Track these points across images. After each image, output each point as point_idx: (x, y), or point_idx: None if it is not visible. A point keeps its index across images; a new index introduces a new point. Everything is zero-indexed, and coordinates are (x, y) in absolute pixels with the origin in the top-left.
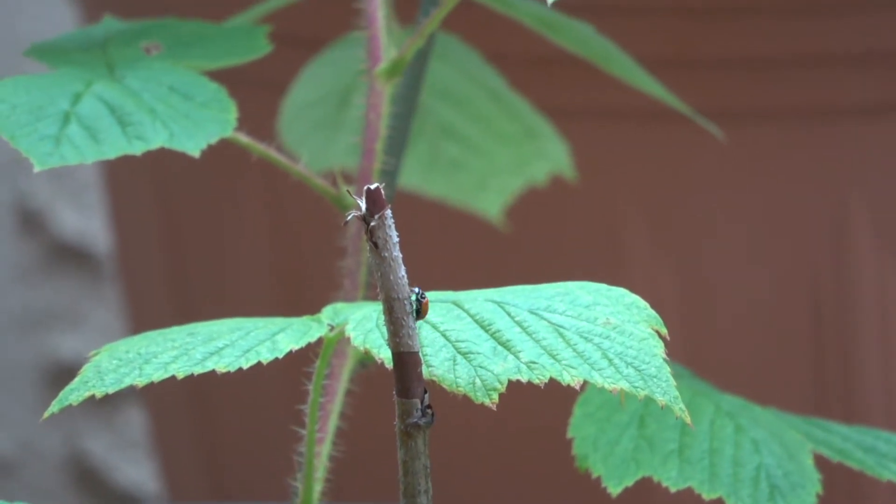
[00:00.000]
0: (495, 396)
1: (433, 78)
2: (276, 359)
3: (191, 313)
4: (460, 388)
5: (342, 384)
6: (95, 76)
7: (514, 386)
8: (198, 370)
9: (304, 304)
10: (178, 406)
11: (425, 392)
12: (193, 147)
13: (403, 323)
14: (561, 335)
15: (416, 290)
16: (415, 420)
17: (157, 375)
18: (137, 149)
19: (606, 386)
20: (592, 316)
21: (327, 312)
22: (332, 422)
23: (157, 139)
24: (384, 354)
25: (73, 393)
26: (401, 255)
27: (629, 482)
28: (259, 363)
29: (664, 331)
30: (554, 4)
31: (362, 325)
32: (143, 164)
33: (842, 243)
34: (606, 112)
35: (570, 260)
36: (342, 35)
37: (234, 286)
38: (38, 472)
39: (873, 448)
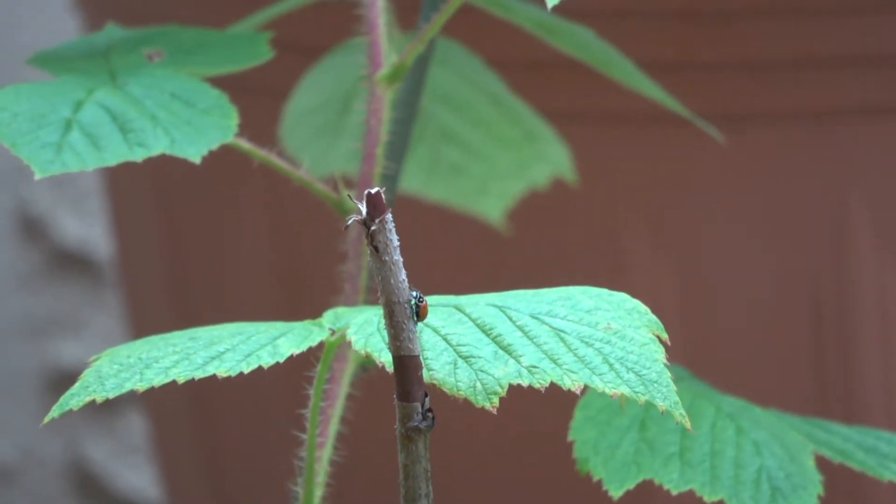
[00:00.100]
0: (496, 400)
1: (434, 83)
2: (277, 363)
3: (192, 319)
4: (461, 392)
5: (343, 388)
6: (97, 83)
7: (514, 390)
8: (199, 375)
9: (305, 308)
10: (179, 411)
11: (426, 396)
12: (195, 153)
13: (404, 326)
14: (562, 340)
15: (415, 292)
16: (415, 424)
17: (158, 380)
18: (139, 155)
19: (607, 391)
20: (593, 321)
21: (328, 317)
22: (333, 426)
23: (158, 146)
24: (385, 358)
25: (74, 398)
26: (401, 259)
27: (630, 485)
28: (260, 368)
29: (665, 336)
30: (554, 9)
31: (363, 329)
32: (144, 170)
33: (842, 243)
34: (607, 115)
35: (570, 263)
36: (343, 41)
37: (235, 291)
38: (39, 479)
39: (874, 449)
